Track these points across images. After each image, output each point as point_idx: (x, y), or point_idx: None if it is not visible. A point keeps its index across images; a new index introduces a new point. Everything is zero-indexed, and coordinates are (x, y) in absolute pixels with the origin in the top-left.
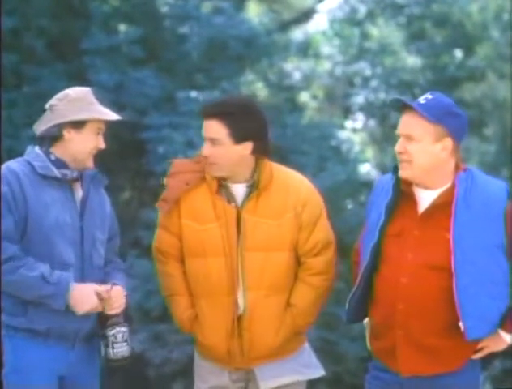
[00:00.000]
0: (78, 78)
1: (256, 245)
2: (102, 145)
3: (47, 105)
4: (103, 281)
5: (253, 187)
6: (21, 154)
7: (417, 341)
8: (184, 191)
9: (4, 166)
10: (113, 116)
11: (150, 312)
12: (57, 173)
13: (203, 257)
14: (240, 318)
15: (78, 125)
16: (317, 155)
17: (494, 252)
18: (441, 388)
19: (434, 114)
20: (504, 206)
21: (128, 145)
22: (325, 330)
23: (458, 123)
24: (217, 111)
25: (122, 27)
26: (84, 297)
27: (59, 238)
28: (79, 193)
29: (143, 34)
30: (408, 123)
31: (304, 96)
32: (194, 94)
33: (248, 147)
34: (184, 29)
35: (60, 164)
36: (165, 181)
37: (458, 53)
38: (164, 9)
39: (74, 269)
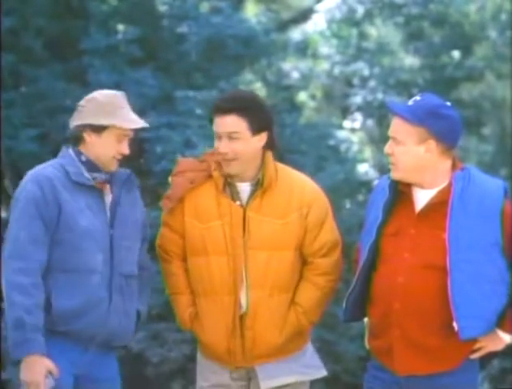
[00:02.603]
0: (77, 78)
1: (260, 243)
2: (125, 151)
3: (78, 103)
4: (130, 293)
5: (258, 185)
6: (20, 154)
7: (414, 340)
8: (188, 190)
9: (37, 170)
10: (135, 123)
11: (149, 311)
12: (89, 177)
13: (205, 255)
14: (242, 317)
15: (98, 129)
16: (316, 154)
17: (490, 251)
18: (438, 388)
19: (417, 116)
20: (501, 204)
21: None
22: (323, 329)
23: (443, 125)
24: (233, 105)
25: (121, 27)
26: (33, 372)
27: (89, 245)
28: (109, 197)
29: (142, 34)
30: (394, 126)
31: (302, 96)
32: (192, 94)
33: (263, 137)
34: (182, 29)
35: (90, 165)
36: (170, 179)
37: (456, 53)
38: (163, 9)
39: (102, 276)
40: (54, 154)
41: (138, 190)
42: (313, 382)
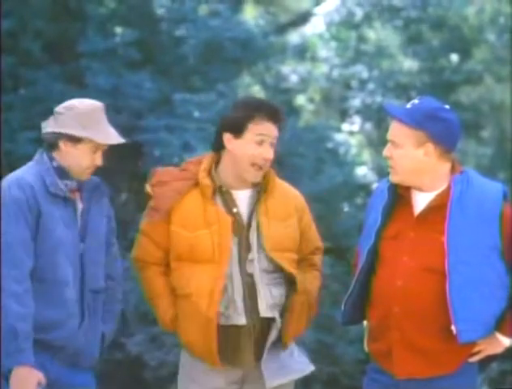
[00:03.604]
0: (75, 81)
1: (275, 246)
2: (98, 162)
3: (55, 109)
4: (95, 311)
5: (262, 191)
6: (19, 156)
7: (413, 344)
8: (176, 201)
9: (18, 175)
10: (111, 139)
11: (147, 314)
12: (63, 187)
13: (191, 262)
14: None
15: (74, 140)
16: (314, 157)
17: (489, 254)
18: None
19: (415, 120)
20: (500, 207)
21: (124, 148)
22: (322, 332)
23: (441, 128)
24: (283, 117)
25: (119, 30)
26: (24, 383)
27: (62, 257)
28: (79, 205)
29: (140, 37)
30: (392, 129)
31: (300, 99)
32: (190, 96)
33: None
34: (180, 32)
35: (61, 173)
36: (151, 189)
37: (455, 57)
38: (161, 11)
39: (74, 291)
40: None
41: (107, 198)
42: (310, 384)
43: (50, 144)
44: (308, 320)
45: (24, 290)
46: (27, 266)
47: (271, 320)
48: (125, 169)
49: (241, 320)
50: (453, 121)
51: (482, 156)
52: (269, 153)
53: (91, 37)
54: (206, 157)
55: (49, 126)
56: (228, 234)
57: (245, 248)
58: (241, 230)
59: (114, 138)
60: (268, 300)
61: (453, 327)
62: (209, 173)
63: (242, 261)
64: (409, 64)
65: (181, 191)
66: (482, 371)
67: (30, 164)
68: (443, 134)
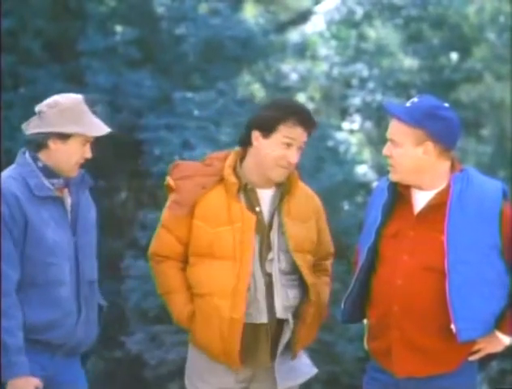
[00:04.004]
0: (75, 79)
1: (297, 247)
2: (88, 155)
3: (37, 108)
4: (92, 299)
5: (285, 191)
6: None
7: (412, 342)
8: (200, 195)
9: (2, 184)
10: (101, 130)
11: (147, 313)
12: (50, 186)
13: (210, 258)
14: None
15: (64, 136)
16: (314, 156)
17: (489, 253)
18: None
19: (414, 118)
20: (499, 206)
21: (124, 146)
22: (321, 330)
23: (441, 126)
24: (315, 125)
25: (119, 29)
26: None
27: (55, 257)
28: (68, 200)
29: (140, 35)
30: (392, 128)
31: (301, 98)
32: (190, 95)
33: None
34: (180, 30)
35: (47, 172)
36: (173, 183)
37: (455, 55)
38: (161, 10)
39: (70, 287)
40: None
41: (90, 191)
42: (310, 383)
43: (38, 144)
44: (318, 328)
45: (9, 304)
46: (12, 280)
47: (285, 322)
48: (125, 168)
49: (263, 319)
50: (452, 120)
51: (482, 154)
52: (294, 157)
53: (91, 36)
54: (232, 153)
55: (34, 127)
56: (251, 232)
57: (265, 247)
58: (262, 229)
59: (103, 128)
60: (284, 301)
61: (452, 326)
62: (234, 170)
63: (262, 260)
64: (409, 62)
65: (205, 186)
66: (482, 370)
67: (12, 167)
68: (443, 132)
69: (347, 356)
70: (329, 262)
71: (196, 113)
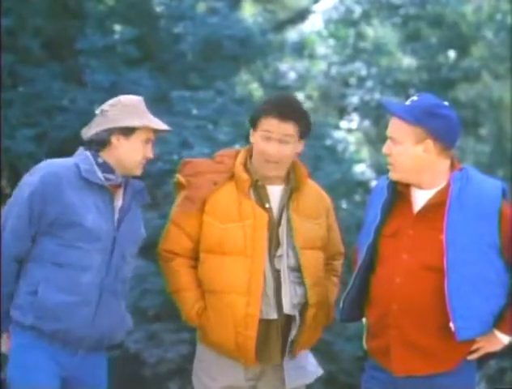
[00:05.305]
0: (74, 78)
1: (305, 243)
2: (151, 154)
3: (98, 110)
4: (122, 295)
5: (294, 188)
6: (18, 153)
7: (411, 341)
8: (212, 191)
9: (48, 165)
10: (163, 126)
11: (145, 312)
12: (101, 176)
13: (221, 254)
14: (287, 316)
15: (128, 132)
16: (312, 154)
17: (487, 251)
18: (436, 388)
19: (414, 116)
20: (498, 205)
21: None
22: None
23: (441, 124)
24: (295, 113)
25: (117, 27)
26: None
27: (87, 243)
28: (119, 201)
29: (138, 34)
30: (392, 126)
31: (299, 96)
32: (188, 94)
33: (302, 143)
34: (179, 29)
35: (106, 167)
36: (185, 180)
37: (453, 54)
38: (159, 9)
39: (94, 276)
40: (51, 154)
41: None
42: (310, 383)
43: (100, 142)
44: (322, 329)
45: (6, 271)
46: (14, 252)
47: (292, 318)
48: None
49: (273, 315)
50: (452, 118)
51: (480, 153)
52: (272, 149)
53: (89, 35)
54: (242, 151)
55: (96, 126)
56: (263, 229)
57: (274, 244)
58: (271, 225)
59: (163, 125)
60: (292, 298)
61: (451, 325)
62: (245, 167)
63: (271, 257)
64: (407, 61)
65: (216, 182)
66: (480, 369)
67: (69, 158)
68: (443, 130)
69: (346, 355)
70: (338, 263)
71: (194, 112)
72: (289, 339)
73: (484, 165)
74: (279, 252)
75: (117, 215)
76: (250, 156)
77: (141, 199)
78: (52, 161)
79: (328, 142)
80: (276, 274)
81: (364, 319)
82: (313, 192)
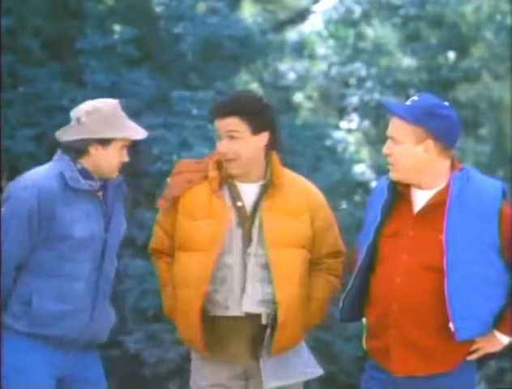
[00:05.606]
0: (74, 78)
1: (277, 242)
2: (126, 158)
3: (74, 116)
4: (109, 294)
5: (269, 186)
6: (18, 153)
7: (411, 341)
8: (185, 189)
9: (38, 178)
10: (140, 134)
11: (145, 312)
12: (85, 184)
13: (189, 251)
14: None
15: (106, 142)
16: (312, 155)
17: (487, 251)
18: (435, 388)
19: (415, 116)
20: (498, 205)
21: None
22: (319, 329)
23: (441, 124)
24: (232, 107)
25: (117, 28)
26: None
27: (78, 253)
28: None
29: (138, 34)
30: (392, 126)
31: (299, 97)
32: (188, 94)
33: (264, 137)
34: (179, 29)
35: (86, 174)
36: (169, 181)
37: (453, 54)
38: (159, 9)
39: (88, 282)
40: (51, 154)
41: (123, 199)
42: (308, 382)
43: (78, 151)
44: (307, 329)
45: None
46: (15, 260)
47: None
48: (123, 167)
49: (238, 312)
50: (453, 118)
51: (480, 153)
52: (221, 146)
53: (89, 35)
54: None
55: (73, 134)
56: (223, 226)
57: (246, 241)
58: (244, 223)
59: (142, 132)
60: (257, 295)
61: (451, 325)
62: (219, 166)
63: (244, 254)
64: (407, 62)
65: (190, 180)
66: (480, 369)
67: (49, 164)
68: (443, 130)
69: (345, 355)
70: (336, 261)
71: (194, 112)
72: (265, 339)
73: (484, 165)
74: (249, 250)
75: (104, 219)
76: None
77: (121, 193)
78: (40, 173)
79: (328, 142)
80: (245, 271)
81: (364, 319)
82: (296, 188)
